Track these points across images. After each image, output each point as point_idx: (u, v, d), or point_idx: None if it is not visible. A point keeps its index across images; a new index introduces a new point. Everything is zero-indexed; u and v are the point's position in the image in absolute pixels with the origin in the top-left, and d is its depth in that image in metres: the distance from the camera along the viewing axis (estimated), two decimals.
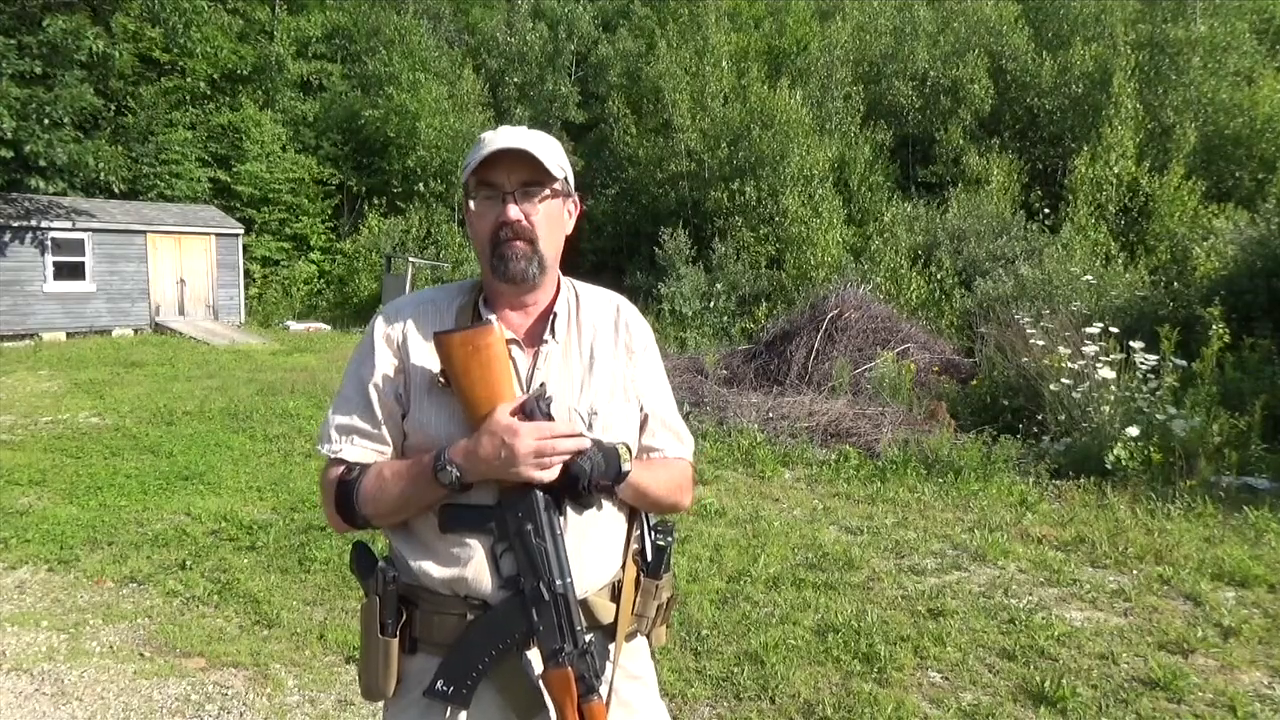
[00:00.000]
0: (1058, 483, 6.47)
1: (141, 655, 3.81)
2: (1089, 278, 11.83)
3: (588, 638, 1.36)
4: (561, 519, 1.37)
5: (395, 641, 1.41)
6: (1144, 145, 19.03)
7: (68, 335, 17.96)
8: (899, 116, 22.30)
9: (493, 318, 1.43)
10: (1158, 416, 6.52)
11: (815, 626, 4.01)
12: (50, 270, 18.06)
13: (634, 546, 1.51)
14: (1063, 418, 7.18)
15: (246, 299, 21.76)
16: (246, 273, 22.11)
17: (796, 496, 6.38)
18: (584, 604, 1.41)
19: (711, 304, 17.68)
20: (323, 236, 24.63)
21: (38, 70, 16.32)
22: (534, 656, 1.38)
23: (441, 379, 1.41)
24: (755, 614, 4.15)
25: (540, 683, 1.36)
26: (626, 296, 1.65)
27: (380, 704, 1.48)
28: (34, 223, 17.69)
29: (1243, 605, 4.29)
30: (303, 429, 8.57)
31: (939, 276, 16.23)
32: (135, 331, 19.04)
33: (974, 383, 9.04)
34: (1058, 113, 21.13)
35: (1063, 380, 7.19)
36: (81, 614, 4.24)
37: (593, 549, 1.44)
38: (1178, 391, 7.06)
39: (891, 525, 5.62)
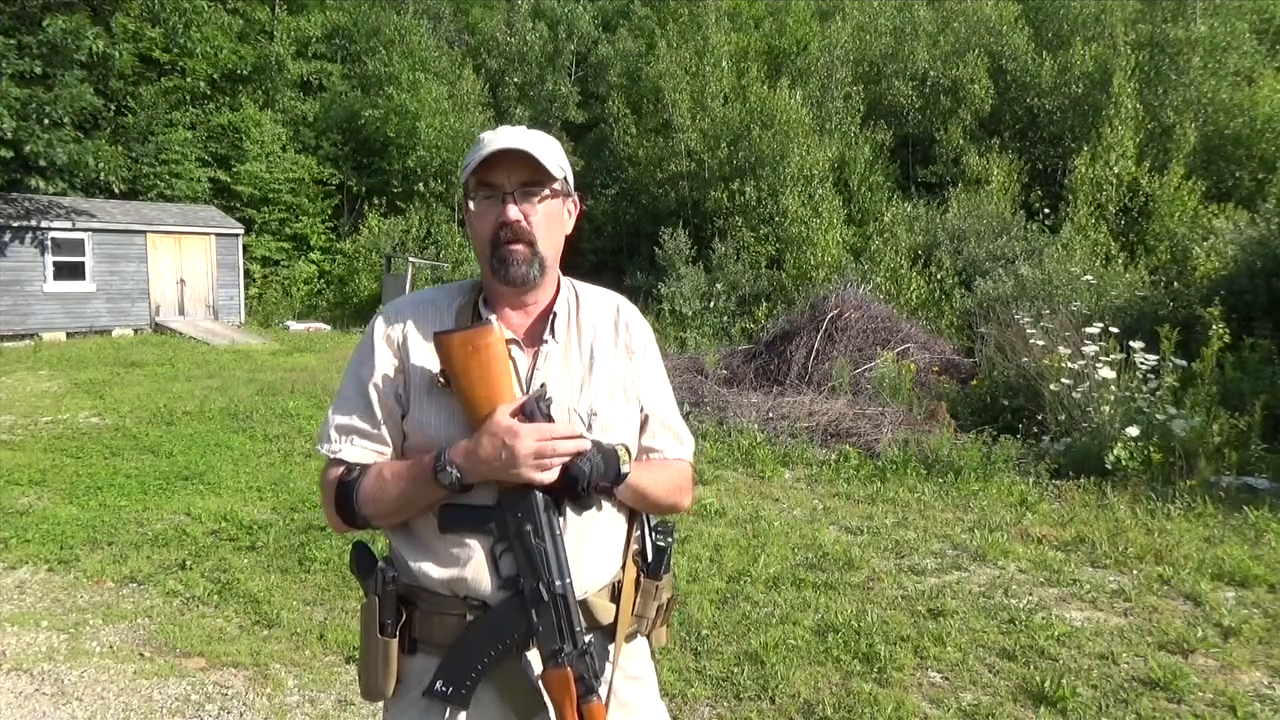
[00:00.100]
0: (1058, 483, 6.47)
1: (141, 655, 3.81)
2: (1089, 278, 11.83)
3: (587, 638, 1.36)
4: (561, 520, 1.37)
5: (395, 642, 1.41)
6: (1144, 145, 19.03)
7: (68, 335, 17.96)
8: (899, 116, 22.30)
9: (493, 318, 1.43)
10: (1158, 416, 6.52)
11: (815, 626, 4.01)
12: (50, 270, 18.06)
13: (634, 547, 1.51)
14: (1063, 418, 7.18)
15: (246, 299, 21.76)
16: (246, 273, 22.12)
17: (796, 496, 6.38)
18: (584, 605, 1.41)
19: (711, 304, 17.68)
20: (323, 236, 24.64)
21: (38, 70, 16.31)
22: (533, 657, 1.37)
23: (441, 379, 1.41)
24: (755, 614, 4.15)
25: (540, 683, 1.36)
26: (626, 296, 1.65)
27: (380, 704, 1.48)
28: (34, 223, 17.69)
29: (1243, 605, 4.29)
30: (303, 429, 8.57)
31: (939, 276, 16.23)
32: (135, 331, 19.04)
33: (974, 383, 9.04)
34: (1058, 113, 21.14)
35: (1063, 380, 7.19)
36: (81, 614, 4.24)
37: (592, 550, 1.44)
38: (1178, 391, 7.06)
39: (891, 525, 5.62)
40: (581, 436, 1.36)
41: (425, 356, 1.45)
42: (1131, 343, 7.17)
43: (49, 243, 18.03)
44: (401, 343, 1.48)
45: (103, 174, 17.72)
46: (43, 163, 16.68)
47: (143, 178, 21.94)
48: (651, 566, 1.52)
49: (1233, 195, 18.34)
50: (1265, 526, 5.36)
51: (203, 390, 11.12)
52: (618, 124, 24.60)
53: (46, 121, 16.09)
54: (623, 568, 1.49)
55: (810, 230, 18.46)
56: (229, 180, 23.35)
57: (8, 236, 17.49)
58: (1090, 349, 7.19)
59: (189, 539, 5.29)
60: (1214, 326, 7.56)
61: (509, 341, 1.43)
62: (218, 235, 20.64)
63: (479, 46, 29.16)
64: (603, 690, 1.36)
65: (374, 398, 1.46)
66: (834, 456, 7.32)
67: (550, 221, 1.46)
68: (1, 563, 4.92)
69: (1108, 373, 6.91)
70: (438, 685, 1.36)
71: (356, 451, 1.46)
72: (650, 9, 27.66)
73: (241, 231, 21.53)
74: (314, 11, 26.77)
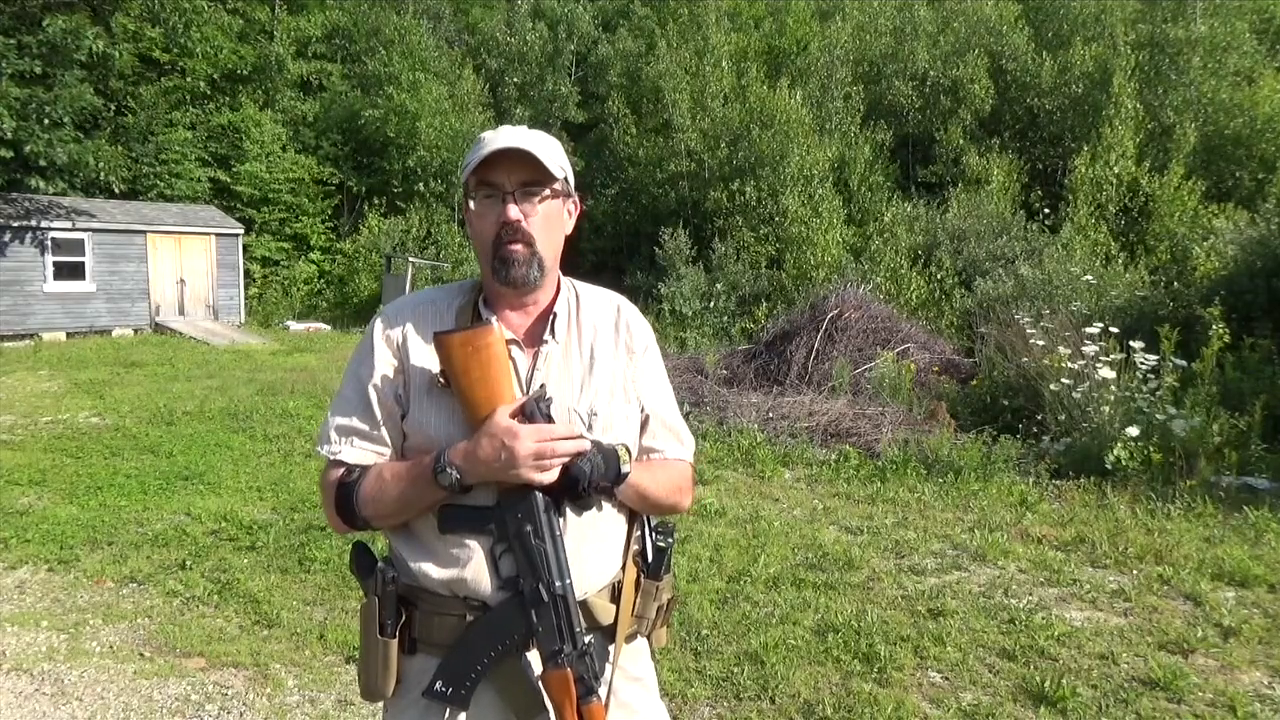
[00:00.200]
0: (1058, 483, 6.47)
1: (141, 655, 3.81)
2: (1089, 278, 11.83)
3: (587, 639, 1.36)
4: (561, 520, 1.37)
5: (395, 642, 1.41)
6: (1144, 145, 19.03)
7: (68, 335, 17.96)
8: (899, 116, 22.30)
9: (493, 318, 1.43)
10: (1158, 416, 6.52)
11: (815, 626, 4.01)
12: (50, 270, 18.06)
13: (634, 548, 1.51)
14: (1063, 418, 7.18)
15: (246, 299, 21.76)
16: (246, 273, 22.11)
17: (796, 496, 6.38)
18: (584, 605, 1.41)
19: (711, 304, 17.68)
20: (323, 236, 24.64)
21: (38, 70, 16.31)
22: (533, 658, 1.37)
23: (441, 379, 1.40)
24: (755, 614, 4.15)
25: (539, 684, 1.36)
26: (626, 296, 1.64)
27: (380, 704, 1.48)
28: (34, 223, 17.69)
29: (1243, 605, 4.29)
30: (303, 429, 8.57)
31: (939, 276, 16.23)
32: (135, 331, 19.04)
33: (974, 383, 9.04)
34: (1058, 113, 21.13)
35: (1063, 380, 7.19)
36: (81, 614, 4.24)
37: (592, 550, 1.44)
38: (1178, 391, 7.06)
39: (891, 525, 5.62)
40: (581, 437, 1.36)
41: (425, 357, 1.45)
42: (1131, 343, 7.17)
43: (49, 243, 18.03)
44: (401, 343, 1.47)
45: (103, 174, 17.72)
46: (43, 163, 16.68)
47: (143, 178, 21.94)
48: (652, 567, 1.52)
49: (1233, 195, 18.33)
50: (1265, 526, 5.36)
51: (203, 390, 11.12)
52: (618, 124, 24.60)
53: (46, 121, 16.09)
54: (623, 568, 1.49)
55: (810, 230, 18.46)
56: (229, 180, 23.35)
57: (8, 236, 17.50)
58: (1090, 349, 7.18)
59: (189, 539, 5.29)
60: (1214, 326, 7.56)
61: (509, 342, 1.43)
62: (218, 235, 20.64)
63: (479, 46, 29.15)
64: (603, 691, 1.36)
65: (374, 398, 1.45)
66: (834, 456, 7.32)
67: (550, 222, 1.46)
68: (1, 563, 4.92)
69: (1108, 373, 6.91)
70: (437, 686, 1.36)
71: (356, 453, 1.45)
72: (650, 9, 27.65)
73: (241, 231, 21.53)
74: (314, 11, 26.77)
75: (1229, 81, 19.50)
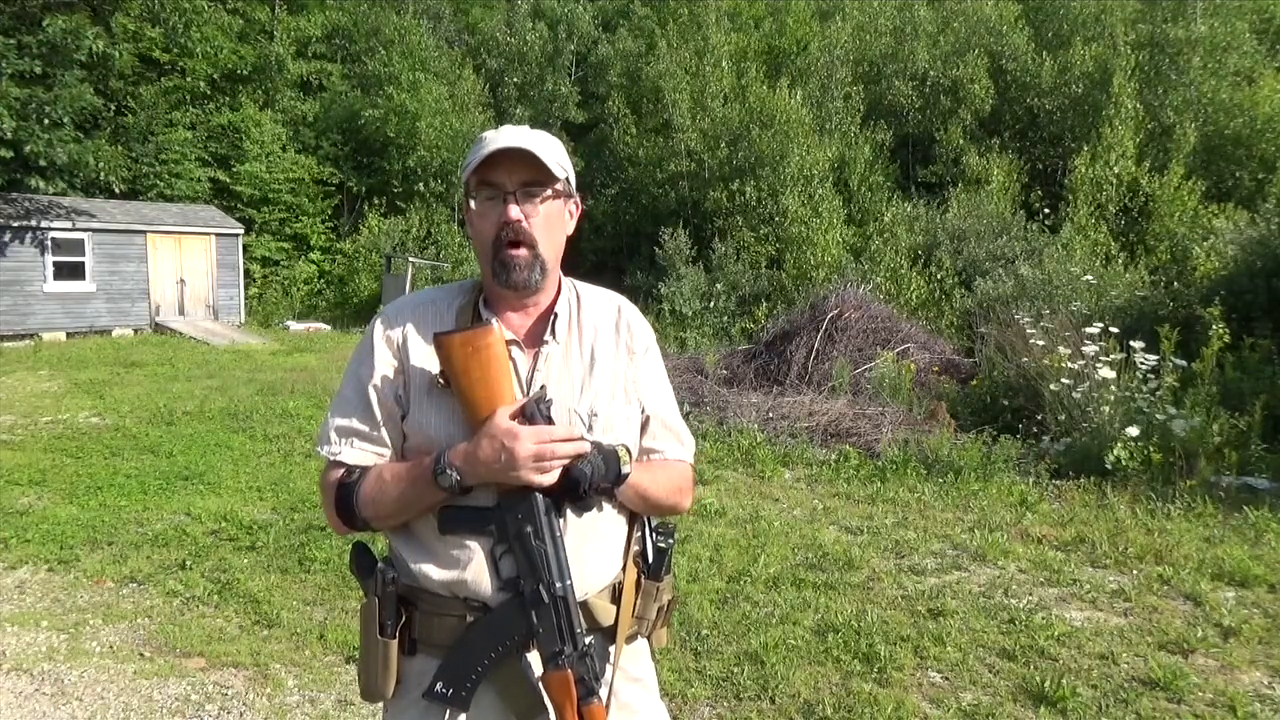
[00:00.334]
0: (1058, 483, 6.47)
1: (141, 655, 3.81)
2: (1089, 278, 11.83)
3: (588, 640, 1.36)
4: (561, 521, 1.37)
5: (395, 643, 1.40)
6: (1144, 145, 19.03)
7: (68, 335, 17.96)
8: (899, 116, 22.30)
9: (493, 318, 1.43)
10: (1158, 416, 6.52)
11: (815, 626, 4.01)
12: (50, 270, 18.06)
13: (634, 548, 1.51)
14: (1063, 418, 7.18)
15: (246, 299, 21.76)
16: (246, 273, 22.11)
17: (796, 496, 6.38)
18: (584, 606, 1.40)
19: (711, 304, 17.68)
20: (323, 236, 24.63)
21: (38, 70, 16.31)
22: (534, 659, 1.37)
23: (441, 380, 1.40)
24: (755, 614, 4.15)
25: (540, 685, 1.35)
26: (627, 296, 1.64)
27: (380, 705, 1.47)
28: (34, 223, 17.69)
29: (1243, 605, 4.29)
30: (303, 429, 8.57)
31: (939, 276, 16.23)
32: (135, 331, 19.04)
33: (974, 383, 9.04)
34: (1058, 113, 21.13)
35: (1063, 380, 7.19)
36: (81, 614, 4.24)
37: (593, 551, 1.44)
38: (1178, 391, 7.06)
39: (891, 525, 5.62)
40: (581, 439, 1.36)
41: (425, 357, 1.45)
42: (1131, 343, 7.17)
43: (49, 243, 18.03)
44: (401, 343, 1.47)
45: (103, 174, 17.72)
46: (43, 163, 16.68)
47: (143, 178, 21.94)
48: (652, 568, 1.52)
49: (1233, 195, 18.33)
50: (1265, 526, 5.36)
51: (203, 390, 11.12)
52: (618, 124, 24.60)
53: (46, 121, 16.08)
54: (623, 569, 1.49)
55: (810, 230, 18.46)
56: (229, 180, 23.35)
57: (8, 236, 17.49)
58: (1090, 349, 7.18)
59: (189, 539, 5.28)
60: (1214, 326, 7.56)
61: (509, 342, 1.43)
62: (218, 235, 20.64)
63: (479, 46, 29.15)
64: (603, 692, 1.36)
65: (373, 399, 1.45)
66: (834, 456, 7.32)
67: (551, 222, 1.46)
68: (1, 563, 4.92)
69: (1108, 373, 6.91)
70: (438, 686, 1.36)
71: (356, 453, 1.45)
72: (650, 9, 27.65)
73: (241, 231, 21.53)
74: (314, 11, 26.77)
75: (1229, 81, 19.50)
